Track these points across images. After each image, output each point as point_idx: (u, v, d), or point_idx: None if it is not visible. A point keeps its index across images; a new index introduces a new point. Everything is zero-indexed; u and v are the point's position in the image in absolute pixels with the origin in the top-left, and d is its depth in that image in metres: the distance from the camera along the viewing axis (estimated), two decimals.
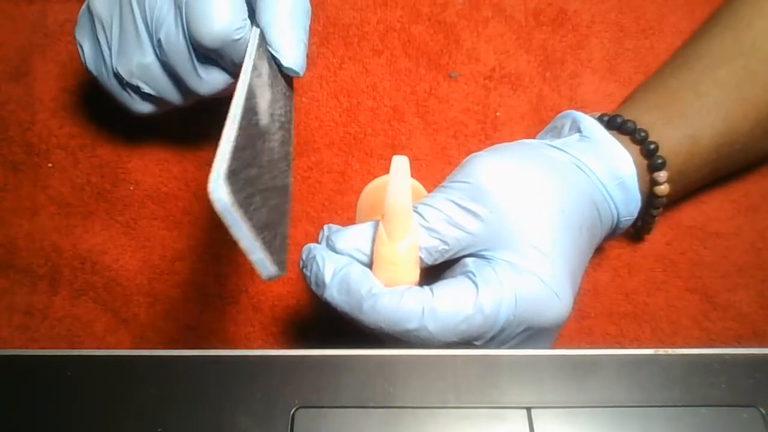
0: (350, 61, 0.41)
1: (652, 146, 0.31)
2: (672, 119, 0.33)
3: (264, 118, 0.26)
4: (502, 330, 0.26)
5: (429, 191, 0.37)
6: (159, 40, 0.30)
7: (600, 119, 0.33)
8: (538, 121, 0.40)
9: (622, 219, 0.32)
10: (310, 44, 0.41)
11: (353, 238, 0.28)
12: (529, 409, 0.21)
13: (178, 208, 0.39)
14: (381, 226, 0.27)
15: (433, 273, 0.30)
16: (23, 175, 0.40)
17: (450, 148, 0.39)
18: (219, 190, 0.19)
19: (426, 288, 0.27)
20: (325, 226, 0.29)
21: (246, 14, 0.29)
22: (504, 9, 0.42)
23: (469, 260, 0.28)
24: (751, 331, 0.36)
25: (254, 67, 0.27)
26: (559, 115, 0.35)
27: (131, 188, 0.40)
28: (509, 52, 0.41)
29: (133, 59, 0.31)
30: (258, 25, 0.30)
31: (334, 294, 0.27)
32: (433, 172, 0.39)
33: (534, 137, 0.36)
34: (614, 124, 0.32)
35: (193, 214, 0.39)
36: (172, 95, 0.33)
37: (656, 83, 0.36)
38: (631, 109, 0.34)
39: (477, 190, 0.28)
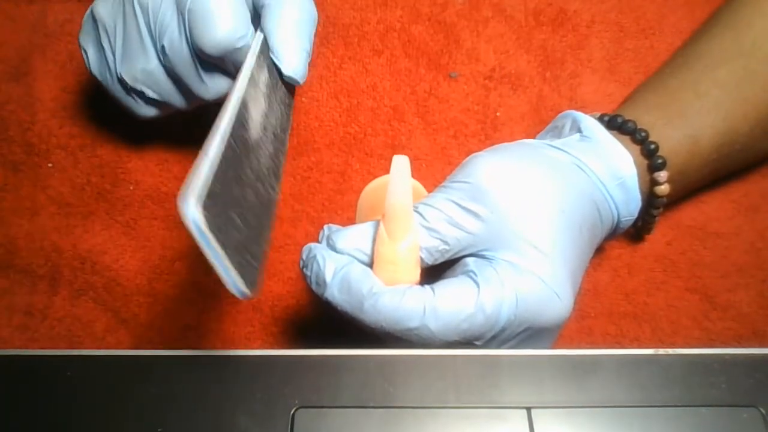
0: (350, 61, 0.41)
1: (653, 146, 0.31)
2: (672, 119, 0.33)
3: (255, 131, 0.26)
4: (503, 330, 0.26)
5: (429, 191, 0.37)
6: (162, 47, 0.30)
7: (600, 119, 0.33)
8: (538, 121, 0.40)
9: (623, 219, 0.32)
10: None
11: (354, 237, 0.28)
12: (529, 409, 0.21)
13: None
14: (382, 226, 0.27)
15: (433, 273, 0.30)
16: (23, 175, 0.40)
17: (450, 148, 0.39)
18: (191, 212, 0.18)
19: (427, 287, 0.27)
20: (326, 226, 0.29)
21: (249, 21, 0.29)
22: (504, 9, 0.42)
23: (469, 260, 0.28)
24: (751, 331, 0.36)
25: (251, 76, 0.26)
26: (560, 115, 0.35)
27: (131, 188, 0.40)
28: (509, 52, 0.41)
29: (137, 65, 0.31)
30: (262, 30, 0.30)
31: (334, 293, 0.27)
32: (433, 172, 0.39)
33: (534, 137, 0.36)
34: (615, 124, 0.32)
35: None
36: (176, 100, 0.33)
37: (656, 83, 0.36)
38: (631, 109, 0.34)
39: (477, 190, 0.28)
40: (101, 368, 0.23)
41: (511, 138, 0.39)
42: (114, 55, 0.32)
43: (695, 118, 0.33)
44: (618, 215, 0.31)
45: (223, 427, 0.21)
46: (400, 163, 0.27)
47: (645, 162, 0.32)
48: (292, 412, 0.21)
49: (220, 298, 0.38)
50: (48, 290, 0.38)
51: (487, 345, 0.27)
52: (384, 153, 0.39)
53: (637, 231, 0.37)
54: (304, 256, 0.28)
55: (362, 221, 0.30)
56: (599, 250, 0.36)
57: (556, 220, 0.28)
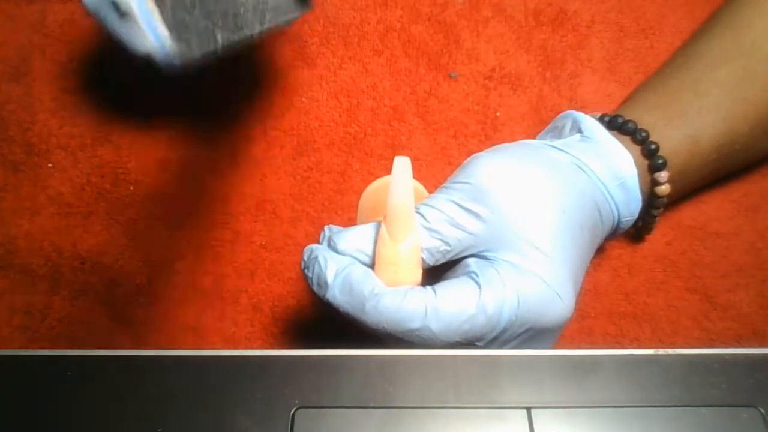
0: (350, 61, 0.41)
1: (653, 146, 0.31)
2: (672, 119, 0.33)
3: None
4: (504, 330, 0.26)
5: (429, 192, 0.37)
6: None
7: (601, 119, 0.33)
8: (538, 121, 0.40)
9: (623, 219, 0.32)
10: (311, 44, 0.41)
11: (355, 238, 0.28)
12: (529, 409, 0.21)
13: (178, 208, 0.39)
14: (383, 227, 0.27)
15: (434, 274, 0.30)
16: (23, 175, 0.40)
17: (450, 148, 0.39)
18: None
19: (428, 288, 0.27)
20: (326, 227, 0.29)
21: None
22: (504, 9, 0.42)
23: (471, 261, 0.28)
24: (751, 331, 0.36)
25: None
26: (560, 115, 0.35)
27: (131, 188, 0.40)
28: (509, 52, 0.41)
29: None
30: None
31: (336, 294, 0.27)
32: (433, 173, 0.39)
33: (534, 137, 0.36)
34: (615, 124, 0.32)
35: (193, 214, 0.39)
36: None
37: (656, 83, 0.36)
38: (631, 109, 0.34)
39: (478, 190, 0.28)
40: (101, 368, 0.23)
41: (511, 138, 0.39)
42: None
43: (695, 118, 0.33)
44: (618, 215, 0.31)
45: (223, 427, 0.21)
46: (402, 164, 0.27)
47: (645, 162, 0.32)
48: (292, 412, 0.21)
49: (220, 298, 0.38)
50: (48, 290, 0.38)
51: (488, 346, 0.27)
52: (384, 153, 0.39)
53: (638, 231, 0.37)
54: (305, 257, 0.28)
55: (363, 222, 0.30)
56: (599, 250, 0.36)
57: (557, 220, 0.28)
